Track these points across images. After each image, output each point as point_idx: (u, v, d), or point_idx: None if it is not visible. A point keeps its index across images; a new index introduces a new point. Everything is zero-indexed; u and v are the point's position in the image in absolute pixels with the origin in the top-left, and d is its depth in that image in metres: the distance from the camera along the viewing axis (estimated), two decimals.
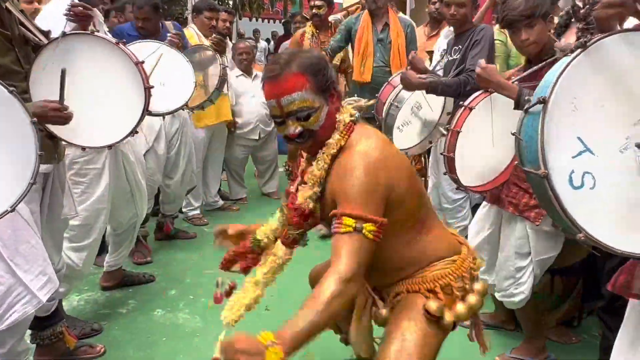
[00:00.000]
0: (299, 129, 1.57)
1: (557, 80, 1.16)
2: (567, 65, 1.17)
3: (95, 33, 2.41)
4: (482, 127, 2.26)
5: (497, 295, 2.45)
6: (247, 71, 4.94)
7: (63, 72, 2.05)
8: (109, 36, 2.55)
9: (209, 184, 4.77)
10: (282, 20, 10.67)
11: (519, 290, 2.34)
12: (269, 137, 5.13)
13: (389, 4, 4.06)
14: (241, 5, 10.05)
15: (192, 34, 4.31)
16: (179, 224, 4.43)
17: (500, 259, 2.40)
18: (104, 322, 2.84)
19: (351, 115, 1.62)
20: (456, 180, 2.33)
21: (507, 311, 2.72)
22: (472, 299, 1.66)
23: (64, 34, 2.24)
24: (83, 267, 2.72)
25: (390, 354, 1.54)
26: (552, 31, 2.17)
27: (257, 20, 13.78)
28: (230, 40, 5.49)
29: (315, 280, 2.01)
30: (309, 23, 4.70)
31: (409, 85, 2.92)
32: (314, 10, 4.40)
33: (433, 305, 1.59)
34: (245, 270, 1.98)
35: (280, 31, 10.64)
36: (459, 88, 2.79)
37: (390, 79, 3.65)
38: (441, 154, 2.38)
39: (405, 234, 1.64)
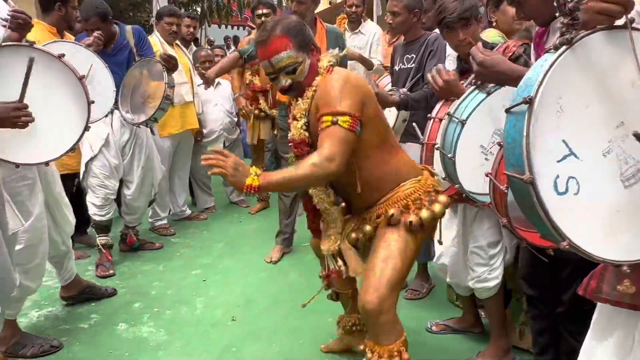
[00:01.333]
0: (289, 82, 1.97)
1: (543, 79, 1.09)
2: (552, 63, 1.10)
3: (36, 46, 2.34)
4: None
5: (471, 283, 2.47)
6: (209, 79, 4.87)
7: (30, 63, 2.00)
8: (51, 49, 2.46)
9: (175, 194, 4.70)
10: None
11: (493, 276, 2.40)
12: (234, 145, 5.10)
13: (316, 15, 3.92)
14: (209, 12, 9.96)
15: (156, 41, 4.24)
16: (145, 234, 4.36)
17: (473, 250, 2.44)
18: (65, 338, 2.75)
19: (329, 61, 1.99)
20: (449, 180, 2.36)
21: (473, 315, 2.75)
22: (437, 207, 1.98)
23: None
24: (34, 286, 2.65)
25: (378, 259, 1.92)
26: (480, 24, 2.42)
27: (226, 27, 13.70)
28: (198, 46, 5.45)
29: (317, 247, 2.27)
30: (253, 31, 4.69)
31: (382, 104, 2.94)
32: (262, 19, 4.35)
33: (410, 218, 1.95)
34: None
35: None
36: (426, 101, 2.81)
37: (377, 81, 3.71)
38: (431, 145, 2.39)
39: (377, 155, 1.98)
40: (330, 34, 3.75)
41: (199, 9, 9.41)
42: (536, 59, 1.90)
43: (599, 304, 1.44)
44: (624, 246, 1.16)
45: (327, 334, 2.74)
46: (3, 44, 2.29)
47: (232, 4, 11.75)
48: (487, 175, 1.65)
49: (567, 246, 1.12)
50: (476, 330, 2.77)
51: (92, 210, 3.64)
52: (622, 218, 1.16)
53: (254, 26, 4.77)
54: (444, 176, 2.14)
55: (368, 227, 2.06)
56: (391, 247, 1.93)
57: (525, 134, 1.09)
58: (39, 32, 3.47)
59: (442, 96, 2.29)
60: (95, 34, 3.28)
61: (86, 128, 2.43)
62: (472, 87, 2.00)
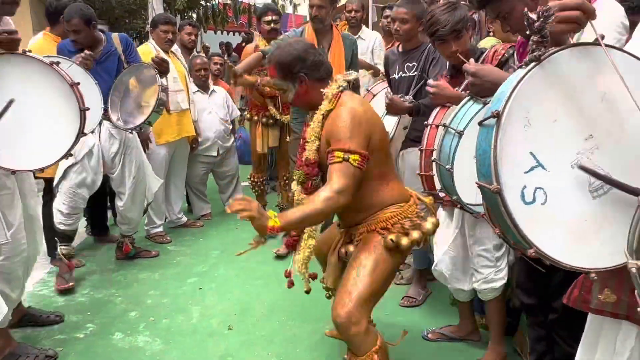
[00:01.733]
0: (285, 98, 2.26)
1: (510, 94, 1.14)
2: (521, 79, 1.15)
3: (28, 54, 2.34)
4: None
5: (476, 285, 2.47)
6: (203, 87, 4.89)
7: (8, 104, 2.05)
8: (44, 57, 2.45)
9: (171, 201, 4.69)
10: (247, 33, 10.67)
11: (499, 276, 2.42)
12: (229, 153, 5.08)
13: (333, 22, 4.08)
14: (205, 19, 9.97)
15: (151, 49, 4.24)
16: (141, 242, 4.35)
17: (480, 253, 2.44)
18: (60, 348, 2.73)
19: (338, 87, 2.14)
20: (436, 196, 2.35)
21: (471, 322, 2.75)
22: (427, 225, 2.14)
23: None
24: (15, 296, 2.61)
25: (351, 276, 2.06)
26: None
27: (222, 33, 13.73)
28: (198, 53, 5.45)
29: (320, 247, 2.45)
30: (259, 37, 4.68)
31: (396, 110, 2.95)
32: (272, 26, 4.37)
33: (391, 236, 2.07)
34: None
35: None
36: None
37: (370, 87, 3.92)
38: (418, 174, 2.36)
39: (372, 181, 2.13)
40: (345, 40, 3.87)
41: (194, 16, 9.41)
42: (519, 67, 1.95)
43: (590, 315, 1.45)
44: (591, 254, 1.21)
45: (324, 342, 2.74)
46: None
47: (228, 10, 11.77)
48: (477, 184, 1.66)
49: (534, 253, 1.16)
50: (473, 338, 2.76)
51: (57, 218, 3.49)
52: (590, 227, 1.20)
53: (249, 32, 4.79)
54: (439, 188, 2.14)
55: (351, 248, 2.22)
56: (364, 265, 2.06)
57: (493, 146, 1.13)
58: (46, 42, 3.66)
59: (438, 102, 2.32)
60: (84, 53, 3.22)
61: (80, 134, 2.42)
62: (467, 98, 2.01)
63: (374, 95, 3.81)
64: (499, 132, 1.14)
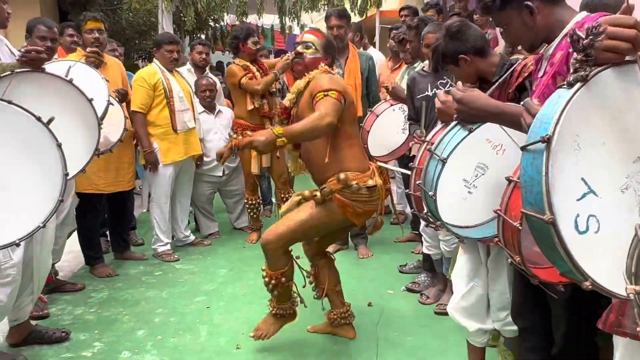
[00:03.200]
0: (301, 49, 2.81)
1: (559, 117, 1.08)
2: (569, 100, 1.09)
3: (48, 71, 2.39)
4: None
5: (495, 325, 2.40)
6: (209, 108, 4.93)
7: (49, 121, 2.12)
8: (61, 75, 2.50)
9: (178, 219, 4.69)
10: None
11: None
12: (234, 172, 5.09)
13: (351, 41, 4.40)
14: (213, 39, 10.09)
15: (156, 69, 4.29)
16: (149, 260, 4.37)
17: (494, 297, 2.37)
18: None
19: (327, 69, 2.79)
20: (427, 220, 2.29)
21: None
22: (353, 184, 2.61)
23: (13, 72, 2.23)
24: (7, 302, 2.59)
25: (286, 217, 2.73)
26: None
27: (229, 53, 13.87)
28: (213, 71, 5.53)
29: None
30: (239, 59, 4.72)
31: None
32: (258, 46, 4.69)
33: (341, 174, 2.62)
34: None
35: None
36: None
37: (374, 108, 3.95)
38: (407, 192, 2.35)
39: (340, 139, 2.66)
40: (361, 56, 4.30)
41: (203, 36, 9.52)
42: (533, 86, 1.92)
43: (619, 339, 1.42)
44: None
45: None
46: (17, 70, 2.34)
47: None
48: (495, 212, 1.60)
49: (589, 286, 1.09)
50: None
51: None
52: None
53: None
54: (426, 211, 2.07)
55: (318, 194, 2.68)
56: (300, 213, 2.68)
57: (544, 172, 1.07)
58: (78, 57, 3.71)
59: (443, 119, 2.24)
60: (88, 51, 3.30)
61: (97, 149, 2.45)
62: (454, 123, 1.95)
63: (377, 116, 3.84)
64: (550, 158, 1.07)
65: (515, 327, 2.29)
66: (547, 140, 1.07)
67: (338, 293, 3.00)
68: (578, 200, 1.10)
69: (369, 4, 7.70)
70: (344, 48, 4.23)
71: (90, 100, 2.40)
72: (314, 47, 2.79)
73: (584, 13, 1.70)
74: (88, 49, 3.63)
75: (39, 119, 2.12)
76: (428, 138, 2.27)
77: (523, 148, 1.16)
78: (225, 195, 5.22)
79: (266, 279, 2.74)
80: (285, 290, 2.78)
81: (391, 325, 3.18)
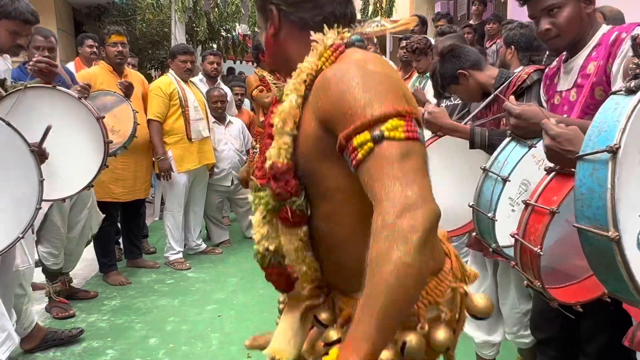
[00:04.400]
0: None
1: (625, 126, 0.99)
2: (634, 108, 1.00)
3: (58, 87, 2.44)
4: (438, 170, 2.22)
5: (509, 337, 2.38)
6: (220, 118, 4.99)
7: (47, 130, 2.12)
8: (70, 91, 2.55)
9: (191, 228, 4.73)
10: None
11: (528, 332, 2.29)
12: None
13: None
14: (225, 49, 10.18)
15: (171, 79, 4.36)
16: (161, 268, 4.41)
17: (506, 311, 2.34)
18: None
19: (342, 38, 1.13)
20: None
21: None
22: (440, 335, 1.12)
23: (25, 87, 2.27)
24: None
25: None
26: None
27: (240, 62, 13.97)
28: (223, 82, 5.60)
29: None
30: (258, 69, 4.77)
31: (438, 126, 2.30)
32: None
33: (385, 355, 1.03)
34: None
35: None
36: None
37: None
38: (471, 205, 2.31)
39: (366, 216, 0.98)
40: None
41: (215, 46, 9.62)
42: (547, 100, 1.92)
43: None
44: None
45: None
46: (29, 85, 2.38)
47: (247, 41, 12.01)
48: (512, 236, 1.50)
49: None
50: None
51: (48, 261, 3.41)
52: None
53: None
54: (475, 233, 1.98)
55: (331, 333, 1.17)
56: None
57: (609, 185, 0.98)
58: (100, 72, 3.95)
59: (430, 130, 2.18)
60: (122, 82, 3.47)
61: (103, 165, 2.48)
62: (509, 139, 1.82)
63: None
64: (617, 169, 0.97)
65: (527, 340, 2.30)
66: (614, 150, 0.98)
67: None
68: None
69: (379, 14, 7.75)
70: None
71: (98, 119, 2.44)
72: None
73: (608, 26, 1.69)
74: (119, 82, 3.79)
75: (27, 143, 2.14)
76: None
77: (579, 157, 1.06)
78: (236, 203, 5.25)
79: None
80: None
81: None
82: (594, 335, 1.86)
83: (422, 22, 5.67)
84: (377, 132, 0.95)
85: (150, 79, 6.26)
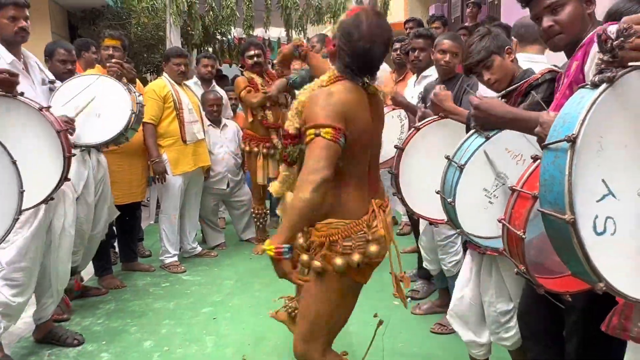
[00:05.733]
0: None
1: (585, 116, 1.07)
2: (594, 100, 1.08)
3: (19, 97, 2.41)
4: (429, 149, 2.41)
5: (493, 338, 2.39)
6: (215, 122, 4.98)
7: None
8: (34, 101, 2.52)
9: (186, 231, 4.72)
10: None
11: (508, 335, 2.30)
12: (238, 184, 5.14)
13: None
14: (221, 52, 10.18)
15: (165, 82, 4.37)
16: (156, 271, 4.40)
17: (485, 307, 2.37)
18: None
19: (334, 74, 1.95)
20: (402, 200, 2.49)
21: None
22: (355, 257, 1.89)
23: None
24: (17, 305, 2.71)
25: (299, 312, 2.09)
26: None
27: (237, 65, 13.99)
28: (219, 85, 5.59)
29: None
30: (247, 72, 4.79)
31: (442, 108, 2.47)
32: (254, 60, 4.68)
33: (316, 262, 1.92)
34: None
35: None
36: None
37: None
38: (389, 172, 2.52)
39: (334, 176, 1.81)
40: None
41: (210, 49, 9.61)
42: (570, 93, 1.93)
43: (630, 343, 1.42)
44: None
45: None
46: None
47: (243, 44, 12.06)
48: (499, 221, 1.58)
49: (603, 287, 1.09)
50: None
51: None
52: None
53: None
54: (446, 219, 2.11)
55: (305, 257, 1.98)
56: (305, 302, 2.02)
57: (567, 172, 1.06)
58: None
59: (435, 111, 2.45)
60: (112, 62, 3.42)
61: (62, 180, 2.47)
62: (472, 131, 1.98)
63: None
64: (574, 157, 1.06)
65: (507, 342, 2.32)
66: (572, 140, 1.06)
67: None
68: (598, 201, 1.10)
69: None
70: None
71: (58, 132, 2.43)
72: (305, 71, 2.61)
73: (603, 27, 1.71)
74: (109, 63, 3.76)
75: None
76: (416, 125, 2.39)
77: (544, 146, 1.15)
78: (232, 206, 5.24)
79: None
80: None
81: (397, 336, 3.18)
82: (571, 333, 1.87)
83: (418, 24, 5.69)
84: (317, 131, 1.79)
85: (145, 82, 6.25)
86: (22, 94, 2.43)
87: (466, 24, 6.63)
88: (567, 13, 1.68)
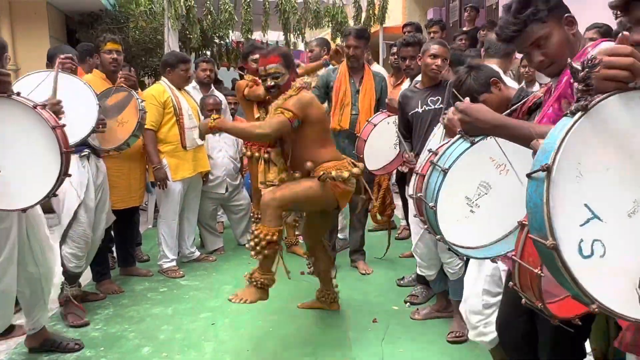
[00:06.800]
0: (272, 83, 3.11)
1: (559, 146, 1.11)
2: (568, 130, 1.12)
3: (13, 96, 2.39)
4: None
5: (470, 335, 2.43)
6: None
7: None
8: (27, 99, 2.48)
9: (184, 236, 4.70)
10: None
11: (489, 330, 2.34)
12: (237, 189, 5.13)
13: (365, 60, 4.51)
14: (219, 56, 10.18)
15: (165, 88, 4.36)
16: (154, 276, 4.39)
17: (471, 290, 2.41)
18: None
19: (301, 84, 3.13)
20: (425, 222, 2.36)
21: None
22: (344, 173, 3.09)
23: None
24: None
25: (288, 183, 3.18)
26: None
27: (235, 69, 13.98)
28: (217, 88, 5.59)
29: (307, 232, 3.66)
30: (247, 75, 4.78)
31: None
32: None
33: (332, 171, 3.07)
34: None
35: None
36: None
37: (371, 118, 4.00)
38: (410, 195, 2.43)
39: (316, 143, 3.14)
40: (375, 77, 4.39)
41: (208, 53, 9.61)
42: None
43: (632, 357, 1.44)
44: None
45: None
46: None
47: (241, 47, 12.04)
48: (511, 258, 1.57)
49: (596, 309, 1.11)
50: None
51: (71, 263, 3.46)
52: None
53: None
54: (426, 226, 2.07)
55: (297, 174, 3.18)
56: (302, 181, 3.12)
57: (545, 200, 1.09)
58: (94, 80, 3.90)
59: (448, 135, 2.25)
60: (62, 57, 3.26)
61: (61, 175, 2.43)
62: (458, 136, 1.96)
63: (375, 126, 3.89)
64: (550, 185, 1.10)
65: (487, 338, 2.37)
66: (547, 169, 1.10)
67: (328, 278, 3.56)
68: (581, 225, 1.12)
69: (373, 20, 7.79)
70: (360, 68, 4.32)
71: (54, 128, 2.40)
72: (281, 73, 3.07)
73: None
74: (120, 73, 3.83)
75: None
76: (433, 147, 2.30)
77: (528, 176, 1.18)
78: (230, 210, 5.23)
79: (260, 236, 2.92)
80: (272, 255, 3.00)
81: (396, 341, 3.17)
82: (543, 349, 1.90)
83: (417, 29, 5.71)
84: (283, 111, 3.02)
85: (143, 86, 6.25)
86: (18, 93, 2.42)
87: (464, 28, 6.66)
88: (553, 44, 1.69)
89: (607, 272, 1.13)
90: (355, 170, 3.15)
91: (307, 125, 3.08)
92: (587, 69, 1.13)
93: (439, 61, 3.20)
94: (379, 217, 4.45)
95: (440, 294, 3.42)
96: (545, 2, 1.65)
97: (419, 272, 3.53)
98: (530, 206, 1.17)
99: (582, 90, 1.15)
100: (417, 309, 3.55)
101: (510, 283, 1.64)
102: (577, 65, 1.15)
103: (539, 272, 1.42)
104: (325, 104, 4.53)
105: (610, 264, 1.13)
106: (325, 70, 4.52)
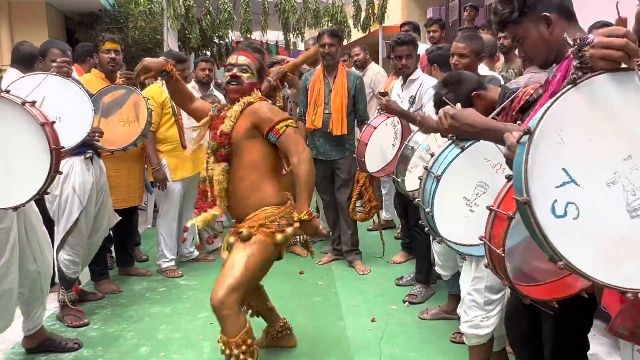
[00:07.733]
0: (239, 74, 2.66)
1: (544, 114, 1.18)
2: (555, 100, 1.19)
3: (2, 94, 2.38)
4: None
5: (462, 327, 2.44)
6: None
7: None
8: (16, 97, 2.47)
9: (184, 236, 4.69)
10: None
11: (485, 324, 2.37)
12: None
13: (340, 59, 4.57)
14: (218, 56, 10.17)
15: (162, 88, 4.34)
16: (153, 276, 4.38)
17: (471, 291, 2.42)
18: None
19: (259, 94, 2.73)
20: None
21: None
22: (289, 230, 2.58)
23: None
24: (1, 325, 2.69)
25: (226, 266, 2.55)
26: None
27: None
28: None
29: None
30: None
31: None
32: None
33: (279, 235, 2.55)
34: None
35: None
36: None
37: (370, 121, 3.97)
38: (413, 199, 2.45)
39: (263, 168, 2.61)
40: (350, 75, 4.42)
41: (208, 53, 9.60)
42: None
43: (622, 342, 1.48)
44: (628, 274, 1.19)
45: None
46: None
47: None
48: (480, 239, 1.64)
49: (562, 265, 1.16)
50: None
51: (69, 269, 3.47)
52: (626, 246, 1.19)
53: None
54: (427, 229, 2.13)
55: (232, 239, 2.65)
56: (236, 258, 2.50)
57: (524, 160, 1.17)
58: (93, 79, 3.94)
59: (443, 135, 2.32)
60: (58, 62, 3.26)
61: (51, 173, 2.42)
62: (449, 142, 2.01)
63: (375, 128, 3.86)
64: (531, 147, 1.17)
65: (481, 332, 2.40)
66: (529, 132, 1.18)
67: (271, 310, 3.09)
68: (557, 187, 1.18)
69: (372, 19, 7.78)
70: (334, 66, 4.36)
71: (43, 125, 2.38)
72: (250, 71, 2.68)
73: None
74: (120, 72, 3.83)
75: None
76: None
77: (517, 142, 1.26)
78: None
79: (232, 348, 2.42)
80: (253, 354, 2.49)
81: (395, 341, 3.17)
82: (547, 339, 1.91)
83: (414, 28, 5.70)
84: (285, 124, 2.56)
85: (143, 85, 6.24)
86: (8, 91, 2.41)
87: (464, 27, 6.64)
88: (529, 45, 1.75)
89: (579, 235, 1.18)
90: (296, 225, 2.58)
91: (257, 144, 2.60)
92: (576, 47, 1.20)
93: (454, 58, 3.16)
94: (358, 214, 4.41)
95: (452, 296, 3.39)
96: (521, 2, 1.69)
97: (436, 270, 3.50)
98: (515, 169, 1.24)
99: (576, 67, 1.20)
100: (427, 309, 3.52)
101: (484, 263, 1.74)
102: (569, 40, 1.23)
103: (501, 252, 1.51)
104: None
105: (584, 227, 1.18)
106: (307, 73, 4.59)
